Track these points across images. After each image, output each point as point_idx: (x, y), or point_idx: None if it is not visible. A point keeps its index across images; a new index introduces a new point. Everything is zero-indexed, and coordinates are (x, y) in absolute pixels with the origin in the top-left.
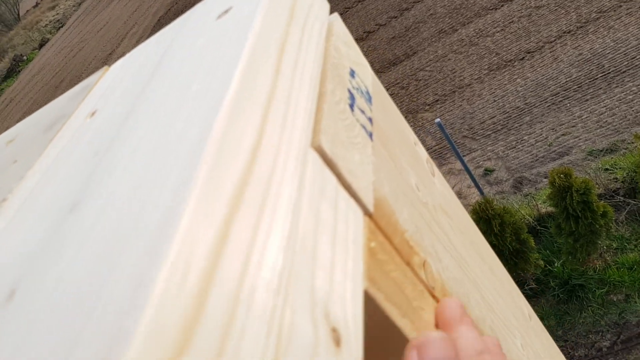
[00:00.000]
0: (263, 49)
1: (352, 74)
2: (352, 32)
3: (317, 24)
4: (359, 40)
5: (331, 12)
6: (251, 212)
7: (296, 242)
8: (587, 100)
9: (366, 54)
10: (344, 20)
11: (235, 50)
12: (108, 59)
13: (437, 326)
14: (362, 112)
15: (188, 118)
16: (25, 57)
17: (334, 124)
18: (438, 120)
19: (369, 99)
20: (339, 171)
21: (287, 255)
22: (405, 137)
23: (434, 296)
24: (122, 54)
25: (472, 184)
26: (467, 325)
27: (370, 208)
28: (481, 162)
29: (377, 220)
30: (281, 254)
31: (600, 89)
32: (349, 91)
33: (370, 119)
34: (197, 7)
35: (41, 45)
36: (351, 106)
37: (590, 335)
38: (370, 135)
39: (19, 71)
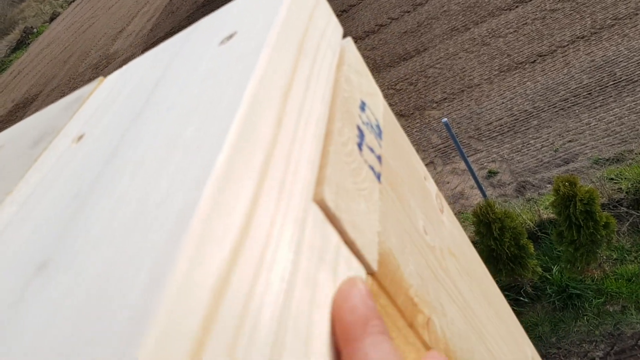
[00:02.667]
0: (266, 96)
1: (363, 107)
2: (364, 24)
3: (328, 54)
4: (370, 32)
5: (344, 3)
6: (237, 302)
7: (287, 328)
8: (596, 107)
9: (377, 47)
10: (357, 12)
11: (235, 97)
12: (118, 36)
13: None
14: (371, 150)
15: (175, 176)
16: (35, 30)
17: (340, 170)
18: (445, 120)
19: (379, 134)
20: (342, 227)
21: (275, 347)
22: (416, 172)
23: None
24: (132, 32)
25: (475, 185)
26: (374, 337)
27: (374, 266)
28: (485, 164)
29: (380, 279)
30: (268, 347)
31: (611, 97)
32: (358, 128)
33: (379, 157)
34: (200, 25)
35: (52, 19)
36: (359, 145)
37: (584, 345)
38: (379, 177)
39: (29, 43)
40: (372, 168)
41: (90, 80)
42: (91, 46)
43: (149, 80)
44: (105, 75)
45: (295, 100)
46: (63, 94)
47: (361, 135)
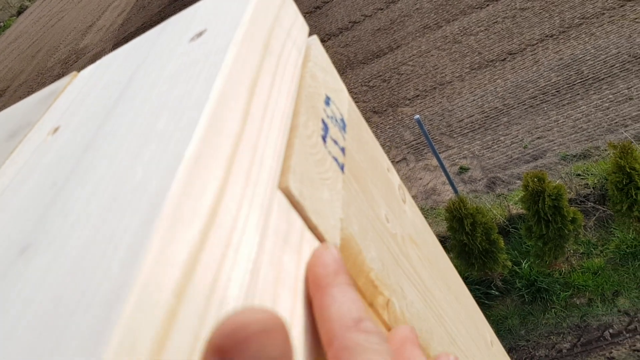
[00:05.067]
0: (233, 91)
1: (327, 101)
2: (337, 21)
3: (294, 52)
4: (343, 29)
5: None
6: (206, 277)
7: (253, 302)
8: (564, 105)
9: (350, 44)
10: (330, 9)
11: (204, 92)
12: (88, 31)
13: (308, 289)
14: (335, 142)
15: (149, 165)
16: (1, 24)
17: (305, 161)
18: (417, 117)
19: (343, 127)
20: (306, 213)
21: None
22: (379, 164)
23: None
24: (102, 27)
25: (447, 181)
26: (341, 286)
27: None
28: (457, 160)
29: None
30: None
31: (578, 94)
32: (323, 121)
33: (343, 149)
34: (172, 21)
35: (19, 13)
36: (324, 138)
37: (552, 337)
38: (342, 167)
39: None
40: (335, 159)
41: (59, 75)
42: (60, 41)
43: (122, 75)
44: (76, 70)
45: (261, 96)
46: (31, 90)
47: (325, 128)
